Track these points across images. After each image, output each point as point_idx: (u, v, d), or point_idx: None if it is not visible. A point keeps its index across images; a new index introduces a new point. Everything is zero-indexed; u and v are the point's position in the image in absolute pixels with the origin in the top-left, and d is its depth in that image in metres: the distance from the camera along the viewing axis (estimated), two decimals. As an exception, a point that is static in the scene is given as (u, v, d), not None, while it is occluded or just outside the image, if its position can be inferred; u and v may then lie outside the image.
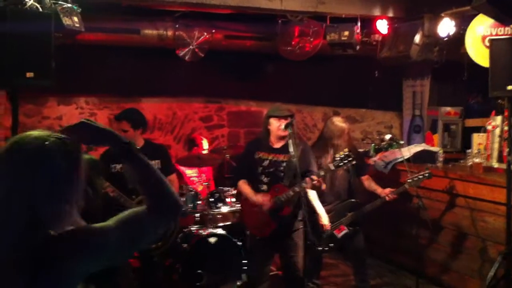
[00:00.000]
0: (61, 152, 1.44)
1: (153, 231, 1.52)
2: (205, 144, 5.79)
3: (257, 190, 4.22)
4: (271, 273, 4.62)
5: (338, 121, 4.66)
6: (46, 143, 1.42)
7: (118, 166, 4.22)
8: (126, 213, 1.47)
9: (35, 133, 1.46)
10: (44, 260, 1.33)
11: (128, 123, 4.24)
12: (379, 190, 4.68)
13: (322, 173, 4.08)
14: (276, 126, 4.14)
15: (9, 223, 1.36)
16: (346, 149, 4.13)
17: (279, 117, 4.14)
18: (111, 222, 1.44)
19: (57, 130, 1.50)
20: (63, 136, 1.47)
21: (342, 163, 4.06)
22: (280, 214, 4.13)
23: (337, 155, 4.10)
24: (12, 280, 1.33)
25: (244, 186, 4.28)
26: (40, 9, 3.96)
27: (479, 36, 5.10)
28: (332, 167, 4.08)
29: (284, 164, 4.17)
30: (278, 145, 4.23)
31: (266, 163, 4.20)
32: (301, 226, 4.13)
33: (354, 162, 4.11)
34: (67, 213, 1.42)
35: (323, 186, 4.09)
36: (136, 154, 1.53)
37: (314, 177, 4.00)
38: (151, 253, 4.29)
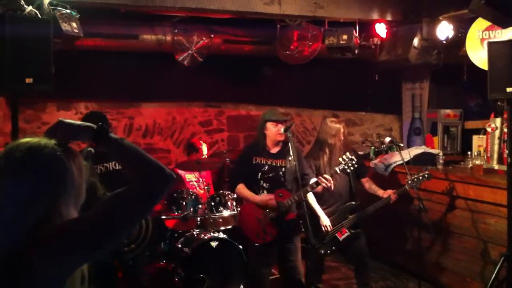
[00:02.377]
0: (65, 158, 1.46)
1: (141, 201, 1.47)
2: (205, 149, 5.76)
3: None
4: (272, 277, 4.61)
5: (333, 122, 4.67)
6: (50, 150, 1.44)
7: (102, 168, 4.23)
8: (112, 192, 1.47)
9: (35, 141, 1.47)
10: (24, 261, 1.33)
11: None
12: (380, 192, 4.68)
13: (327, 177, 4.08)
14: (274, 130, 4.15)
15: (5, 226, 1.37)
16: (351, 153, 4.16)
17: (277, 122, 4.15)
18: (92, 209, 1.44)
19: (42, 133, 1.52)
20: (59, 142, 1.49)
21: (347, 166, 4.08)
22: (284, 220, 4.12)
23: (342, 159, 4.13)
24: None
25: (243, 189, 4.28)
26: (39, 15, 3.97)
27: (478, 39, 5.12)
28: (338, 171, 4.11)
29: (283, 169, 4.17)
30: (275, 150, 4.24)
31: (265, 168, 4.20)
32: (301, 230, 4.13)
33: (356, 166, 4.14)
34: (63, 215, 1.43)
35: (332, 187, 4.10)
36: (108, 136, 1.53)
37: (327, 176, 4.01)
38: (125, 257, 4.21)
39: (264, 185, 4.20)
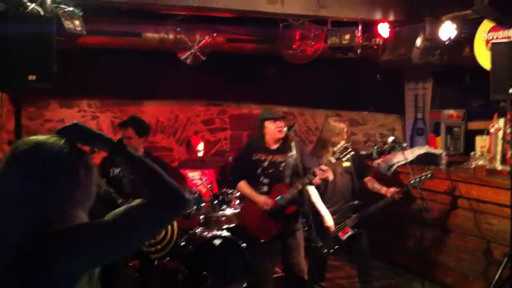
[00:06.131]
0: (72, 157, 1.47)
1: (152, 223, 1.48)
2: (200, 146, 5.79)
3: (257, 191, 4.22)
4: (276, 275, 4.60)
5: (336, 121, 4.68)
6: (58, 148, 1.45)
7: (117, 170, 4.24)
8: (121, 208, 1.46)
9: (43, 138, 1.47)
10: (41, 259, 1.33)
11: (133, 130, 4.25)
12: (383, 189, 4.67)
13: (324, 167, 4.07)
14: (273, 128, 4.18)
15: (17, 224, 1.37)
16: (343, 142, 4.18)
17: (274, 119, 4.18)
18: (106, 217, 1.44)
19: (54, 132, 1.52)
20: (71, 142, 1.49)
21: (342, 155, 4.08)
22: (285, 214, 4.13)
23: (336, 148, 4.14)
24: (9, 279, 1.33)
25: (245, 186, 4.28)
26: (42, 13, 3.97)
27: (484, 41, 5.12)
28: (333, 160, 4.12)
29: (283, 164, 4.19)
30: (274, 146, 4.26)
31: (265, 164, 4.22)
32: (303, 227, 4.15)
33: (353, 153, 4.13)
34: (75, 215, 1.44)
35: (331, 176, 4.09)
36: (126, 150, 1.55)
37: (323, 167, 4.01)
38: (152, 256, 4.27)
39: (264, 180, 4.22)
